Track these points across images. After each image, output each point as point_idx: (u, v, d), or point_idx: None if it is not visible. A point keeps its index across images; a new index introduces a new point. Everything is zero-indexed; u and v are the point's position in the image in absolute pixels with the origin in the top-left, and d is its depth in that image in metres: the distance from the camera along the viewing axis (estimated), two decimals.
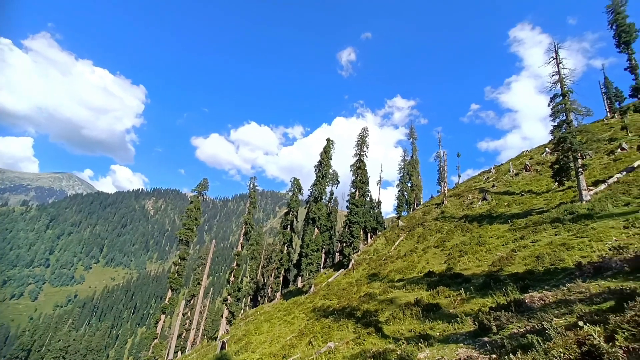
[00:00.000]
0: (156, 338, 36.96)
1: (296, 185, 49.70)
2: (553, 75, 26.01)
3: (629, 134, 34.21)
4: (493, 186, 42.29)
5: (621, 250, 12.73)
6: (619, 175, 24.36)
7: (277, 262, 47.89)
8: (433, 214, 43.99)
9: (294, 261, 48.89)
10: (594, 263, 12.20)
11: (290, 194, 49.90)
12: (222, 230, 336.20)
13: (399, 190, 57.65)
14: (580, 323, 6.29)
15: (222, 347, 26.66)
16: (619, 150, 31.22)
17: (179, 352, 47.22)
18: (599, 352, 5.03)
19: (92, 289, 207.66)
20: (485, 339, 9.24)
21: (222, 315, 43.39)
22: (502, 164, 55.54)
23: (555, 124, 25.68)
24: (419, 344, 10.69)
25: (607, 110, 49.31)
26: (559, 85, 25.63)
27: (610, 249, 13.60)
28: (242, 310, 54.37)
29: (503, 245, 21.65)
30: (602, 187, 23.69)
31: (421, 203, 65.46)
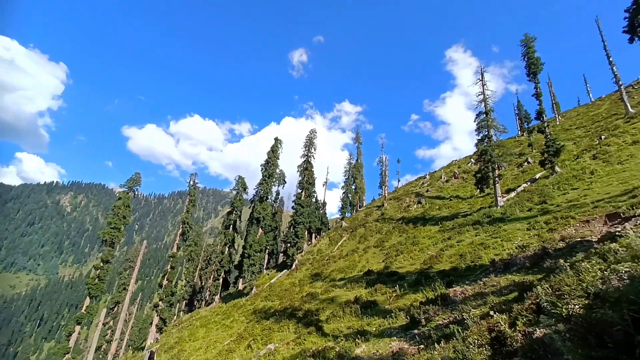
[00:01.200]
0: (68, 353, 32.16)
1: (241, 183, 48.05)
2: (479, 95, 29.60)
3: (533, 151, 40.52)
4: (427, 191, 46.29)
5: (524, 249, 14.96)
6: (525, 184, 28.66)
7: (217, 264, 45.64)
8: (374, 216, 46.41)
9: (236, 262, 47.11)
10: (504, 260, 14.12)
11: (235, 192, 48.05)
12: (156, 230, 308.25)
13: (343, 192, 59.55)
14: (492, 312, 7.20)
15: (151, 357, 24.42)
16: (525, 163, 36.75)
17: None
18: (504, 336, 5.81)
19: None
20: (415, 331, 10.00)
21: (151, 323, 39.71)
22: (435, 171, 61.12)
23: (479, 137, 29.23)
24: (357, 340, 11.13)
25: (519, 129, 57.84)
26: (484, 104, 29.26)
27: (516, 248, 15.89)
28: (175, 317, 50.50)
29: (433, 245, 23.81)
30: (513, 194, 27.60)
31: (364, 205, 68.57)
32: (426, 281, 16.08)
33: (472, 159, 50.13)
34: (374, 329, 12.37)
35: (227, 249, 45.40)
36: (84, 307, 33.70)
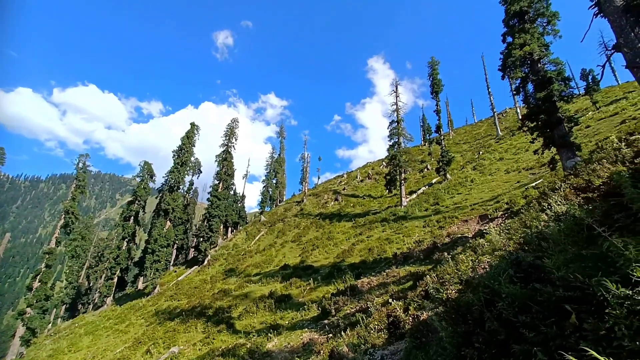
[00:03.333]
0: None
1: (147, 170, 42.71)
2: (393, 105, 32.94)
3: (432, 159, 47.34)
4: (344, 189, 49.36)
5: (420, 243, 17.36)
6: (424, 187, 33.26)
7: (112, 261, 39.66)
8: (293, 211, 47.18)
9: (136, 259, 41.72)
10: (404, 253, 16.12)
11: (139, 180, 42.41)
12: (26, 220, 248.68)
13: (264, 186, 58.71)
14: (390, 300, 8.16)
15: None
16: (426, 169, 42.62)
17: None
18: (399, 320, 6.66)
19: None
20: (326, 321, 10.60)
21: (13, 335, 32.08)
22: (352, 171, 65.56)
23: (391, 143, 32.59)
24: (269, 334, 11.19)
25: (422, 138, 66.76)
26: (396, 114, 32.69)
27: (414, 242, 18.32)
28: (49, 325, 41.92)
29: (347, 240, 25.58)
30: (414, 196, 31.72)
31: (284, 200, 68.94)
32: (338, 274, 17.19)
33: (384, 162, 55.53)
34: (287, 322, 12.64)
35: (125, 243, 39.85)
36: None
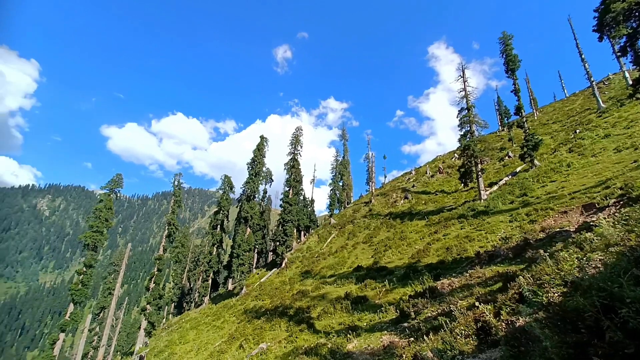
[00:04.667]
0: None
1: (227, 183, 47.52)
2: (461, 91, 30.27)
3: (514, 145, 41.85)
4: (413, 186, 47.11)
5: (507, 240, 15.52)
6: (506, 178, 29.62)
7: (206, 265, 45.12)
8: (362, 212, 46.89)
9: (224, 263, 46.66)
10: (488, 252, 14.61)
11: (221, 192, 47.48)
12: (141, 232, 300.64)
13: (331, 189, 59.79)
14: (477, 303, 7.49)
15: None
16: (507, 157, 37.92)
17: None
18: (489, 326, 6.07)
19: None
20: (405, 324, 10.26)
21: (139, 327, 38.91)
22: (421, 167, 62.21)
23: (462, 133, 29.95)
24: (348, 335, 11.32)
25: (499, 124, 59.55)
26: (465, 100, 29.95)
27: (500, 240, 16.46)
28: (164, 320, 49.69)
29: (421, 239, 24.33)
30: (495, 188, 28.49)
31: (352, 201, 69.07)
32: (414, 275, 16.46)
33: (455, 154, 51.28)
34: (365, 324, 12.60)
35: (215, 249, 44.92)
36: (67, 314, 32.69)
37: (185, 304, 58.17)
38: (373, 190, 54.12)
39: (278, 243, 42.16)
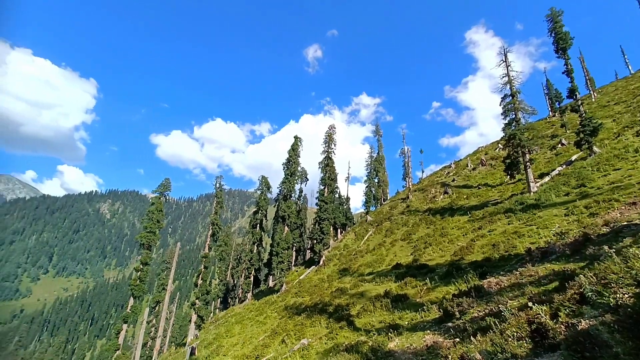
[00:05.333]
0: (118, 349, 34.67)
1: (264, 183, 49.04)
2: (503, 77, 28.17)
3: (567, 131, 38.03)
4: (453, 180, 44.90)
5: (563, 236, 14.20)
6: (560, 168, 27.04)
7: (247, 262, 47.06)
8: (399, 208, 45.73)
9: (265, 260, 48.33)
10: (541, 248, 13.49)
11: (259, 192, 49.14)
12: (188, 232, 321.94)
13: (366, 186, 59.12)
14: (530, 304, 6.96)
15: (192, 353, 25.75)
16: (559, 145, 34.60)
17: None
18: (545, 328, 5.61)
19: (42, 301, 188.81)
20: (449, 324, 9.86)
21: (190, 320, 41.75)
22: (461, 159, 59.07)
23: (506, 121, 27.88)
24: (389, 334, 11.15)
25: (549, 109, 54.42)
26: (509, 86, 27.83)
27: (554, 235, 15.11)
28: (211, 314, 52.75)
29: (463, 235, 23.14)
30: (547, 179, 26.15)
31: (388, 198, 67.69)
32: (458, 273, 15.72)
33: (499, 145, 47.92)
34: (406, 322, 12.31)
35: (255, 247, 46.67)
36: (128, 307, 36.09)
37: (230, 299, 61.25)
38: (410, 186, 52.53)
39: (315, 241, 42.68)
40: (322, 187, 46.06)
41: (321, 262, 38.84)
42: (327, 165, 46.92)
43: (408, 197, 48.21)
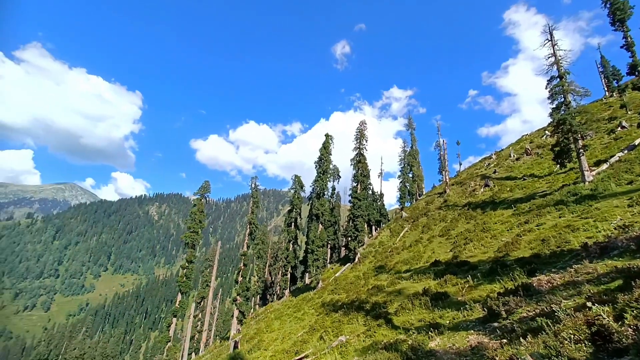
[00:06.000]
0: (169, 341, 37.42)
1: (298, 182, 49.80)
2: (549, 58, 25.84)
3: (629, 112, 33.98)
4: (494, 172, 42.23)
5: (626, 229, 12.76)
6: (620, 153, 24.27)
7: (284, 260, 48.20)
8: (436, 203, 44.02)
9: (300, 258, 49.19)
10: (599, 243, 12.24)
11: (292, 191, 50.02)
12: (227, 231, 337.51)
13: (400, 182, 57.63)
14: (589, 304, 6.36)
15: (235, 347, 26.98)
16: (619, 128, 31.05)
17: (193, 354, 47.81)
18: (609, 331, 5.09)
19: (103, 296, 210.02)
20: (495, 324, 9.33)
21: (232, 315, 43.80)
22: (502, 149, 55.37)
23: (554, 106, 25.57)
24: (430, 332, 10.82)
25: (605, 89, 48.87)
26: (556, 67, 25.47)
27: (615, 228, 13.63)
28: (252, 309, 54.84)
29: (508, 230, 21.71)
30: (604, 166, 23.62)
31: (423, 193, 65.45)
32: (502, 270, 14.78)
33: (546, 131, 44.13)
34: (448, 321, 11.85)
35: (291, 245, 47.63)
36: (177, 302, 38.71)
37: (268, 295, 63.22)
38: (447, 180, 50.30)
39: (350, 238, 42.54)
40: (355, 184, 45.72)
41: (356, 260, 38.65)
42: (359, 161, 46.44)
43: (445, 192, 46.22)
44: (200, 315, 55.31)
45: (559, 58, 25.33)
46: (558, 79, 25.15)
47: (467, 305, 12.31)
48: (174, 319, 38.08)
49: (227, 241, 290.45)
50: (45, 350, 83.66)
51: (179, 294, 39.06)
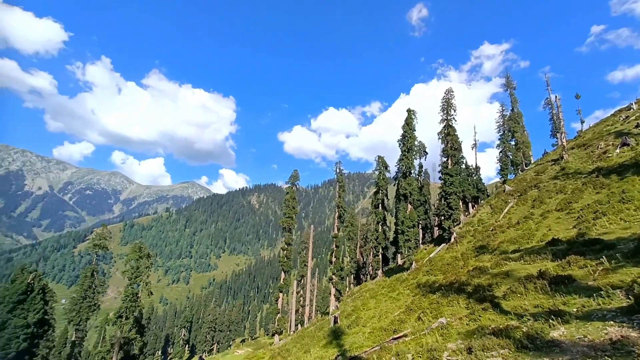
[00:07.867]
0: (278, 313, 42.64)
1: (381, 163, 48.77)
2: None
3: None
4: (637, 126, 32.88)
5: None
6: None
7: (374, 241, 48.51)
8: (550, 173, 37.11)
9: (391, 239, 48.60)
10: None
11: (377, 172, 49.29)
12: (318, 215, 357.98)
13: (500, 152, 50.58)
14: None
15: (335, 322, 28.94)
16: None
17: (299, 325, 53.40)
18: None
19: (225, 273, 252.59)
20: None
21: (330, 293, 46.87)
22: None
23: None
24: (550, 320, 9.49)
25: None
26: None
27: None
28: (347, 288, 57.48)
29: None
30: None
31: (531, 162, 55.91)
32: None
33: None
34: (575, 309, 10.12)
35: (380, 227, 47.50)
36: (281, 279, 43.54)
37: (362, 275, 65.04)
38: (564, 143, 41.61)
39: (443, 217, 39.83)
40: (445, 159, 42.12)
41: (452, 240, 36.06)
42: (448, 134, 42.41)
43: (562, 157, 38.44)
44: (301, 291, 61.02)
45: None
46: None
47: (602, 292, 10.25)
48: (280, 294, 43.01)
49: (318, 224, 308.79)
50: (190, 315, 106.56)
51: (282, 272, 43.77)
